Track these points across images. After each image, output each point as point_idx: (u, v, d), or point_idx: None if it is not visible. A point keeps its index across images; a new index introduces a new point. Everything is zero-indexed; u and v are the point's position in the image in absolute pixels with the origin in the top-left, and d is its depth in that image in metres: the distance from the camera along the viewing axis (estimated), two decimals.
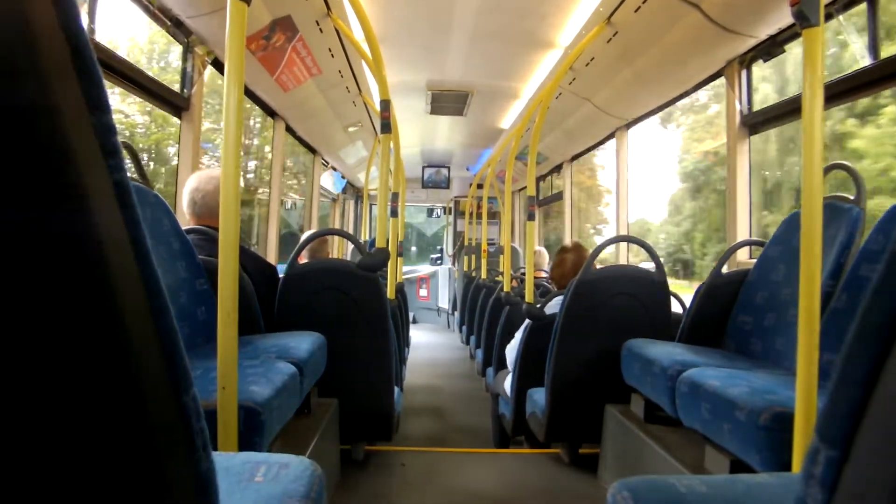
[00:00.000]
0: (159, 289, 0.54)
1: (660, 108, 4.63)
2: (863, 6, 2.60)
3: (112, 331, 0.46)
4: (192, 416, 0.58)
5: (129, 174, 1.82)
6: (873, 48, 2.56)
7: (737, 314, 2.65)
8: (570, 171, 6.99)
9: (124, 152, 2.15)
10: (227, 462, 1.06)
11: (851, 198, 2.18)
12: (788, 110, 3.12)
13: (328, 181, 7.75)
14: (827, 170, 2.13)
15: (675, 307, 3.39)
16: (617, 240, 4.44)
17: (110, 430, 0.47)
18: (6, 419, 0.43)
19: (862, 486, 0.51)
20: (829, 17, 2.68)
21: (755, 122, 3.39)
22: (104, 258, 0.45)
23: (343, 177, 8.32)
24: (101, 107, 0.48)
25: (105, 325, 0.45)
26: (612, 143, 5.41)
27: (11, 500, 0.44)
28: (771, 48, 3.15)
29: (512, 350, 3.66)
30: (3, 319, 0.42)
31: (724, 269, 2.87)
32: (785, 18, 2.87)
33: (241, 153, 1.65)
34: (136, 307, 0.51)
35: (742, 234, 3.47)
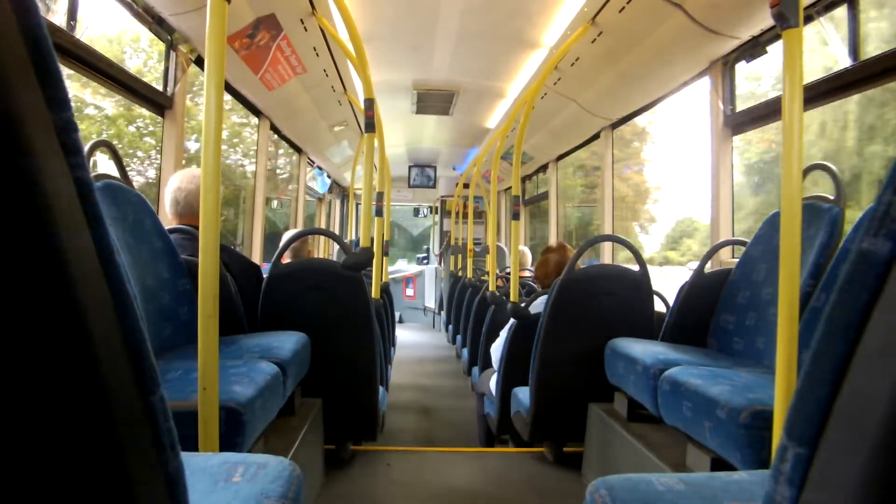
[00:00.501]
0: (124, 289, 0.54)
1: (644, 109, 4.65)
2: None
3: (73, 331, 0.45)
4: (159, 416, 0.58)
5: (110, 174, 1.81)
6: (853, 49, 2.58)
7: (719, 313, 2.66)
8: (556, 171, 7.01)
9: (106, 151, 2.14)
10: (206, 462, 1.06)
11: (832, 198, 2.20)
12: (771, 111, 3.14)
13: (313, 181, 7.73)
14: (807, 170, 2.14)
15: (659, 306, 3.41)
16: (601, 239, 4.47)
17: (73, 430, 0.46)
18: None
19: (828, 483, 0.51)
20: (809, 18, 2.70)
21: (738, 123, 3.42)
22: (65, 258, 0.44)
23: (329, 176, 8.30)
24: (61, 104, 0.48)
25: (66, 325, 0.45)
26: (658, 133, 5.38)
27: None
28: (753, 49, 3.17)
29: (497, 349, 3.67)
30: None
31: (707, 268, 2.89)
32: (767, 20, 2.89)
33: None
34: (99, 307, 0.50)
35: (725, 233, 3.50)
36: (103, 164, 2.38)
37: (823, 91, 2.71)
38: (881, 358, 0.47)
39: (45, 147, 0.44)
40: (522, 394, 3.22)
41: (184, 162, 3.48)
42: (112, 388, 0.49)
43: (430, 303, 12.03)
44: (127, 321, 0.54)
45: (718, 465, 1.90)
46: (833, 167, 2.20)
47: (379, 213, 4.36)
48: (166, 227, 2.45)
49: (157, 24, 3.14)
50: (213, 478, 0.99)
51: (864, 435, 0.46)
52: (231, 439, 1.57)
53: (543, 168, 7.29)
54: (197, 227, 2.65)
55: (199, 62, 3.53)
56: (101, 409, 0.47)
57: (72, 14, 2.64)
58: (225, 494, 0.93)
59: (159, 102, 3.33)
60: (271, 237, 6.45)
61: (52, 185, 0.44)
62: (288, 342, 2.35)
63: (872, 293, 0.49)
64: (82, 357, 0.46)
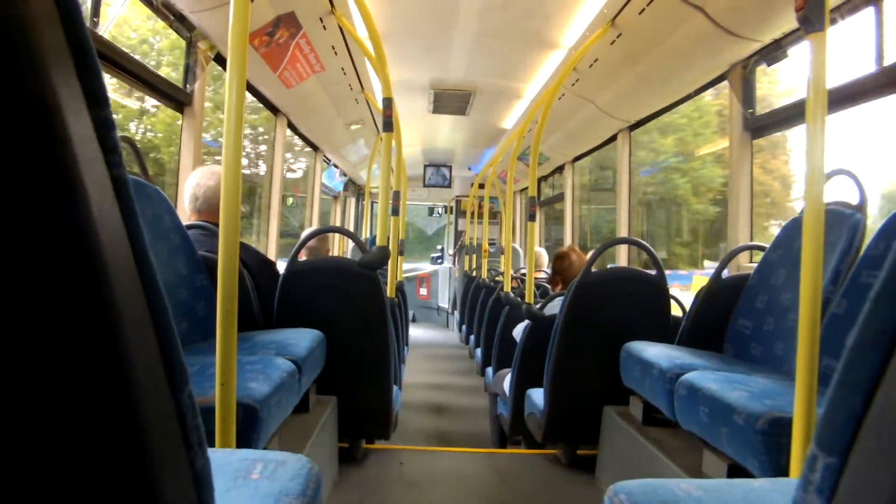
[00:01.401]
0: (156, 286, 0.54)
1: (663, 111, 4.62)
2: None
3: (108, 328, 0.45)
4: (187, 413, 0.58)
5: (129, 169, 1.82)
6: (878, 54, 2.55)
7: (736, 318, 2.64)
8: (572, 173, 6.99)
9: (126, 147, 2.15)
10: (225, 459, 1.06)
11: (854, 203, 2.18)
12: (792, 115, 3.11)
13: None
14: (829, 175, 2.12)
15: (675, 310, 3.39)
16: (617, 241, 4.44)
17: (104, 427, 0.47)
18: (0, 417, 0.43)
19: (859, 494, 0.51)
20: (833, 21, 2.67)
21: (758, 126, 3.39)
22: (102, 255, 0.44)
23: (344, 174, 8.32)
24: (100, 102, 0.48)
25: (102, 322, 0.45)
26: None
27: (3, 499, 0.44)
28: (775, 52, 3.15)
29: (518, 332, 3.68)
30: (2, 317, 0.42)
31: (725, 273, 2.87)
32: (789, 23, 2.87)
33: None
34: (134, 304, 0.50)
35: (743, 237, 3.47)
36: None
37: (846, 96, 2.68)
38: None
39: (83, 144, 0.44)
40: (536, 395, 3.22)
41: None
42: (145, 384, 0.49)
43: (444, 302, 12.03)
44: (159, 317, 0.54)
45: (735, 471, 1.89)
46: (856, 173, 2.18)
47: (395, 212, 4.37)
48: (184, 223, 2.47)
49: (177, 20, 3.16)
50: (231, 474, 0.99)
51: None
52: (247, 436, 1.58)
53: (560, 169, 7.27)
54: (215, 224, 2.68)
55: (218, 59, 3.54)
56: (134, 406, 0.47)
57: (95, 10, 2.67)
58: (244, 491, 0.93)
59: (179, 99, 3.34)
60: (285, 235, 6.47)
61: (91, 182, 0.44)
62: (304, 339, 2.35)
63: None
64: (117, 352, 0.46)
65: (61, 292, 0.43)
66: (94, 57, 0.48)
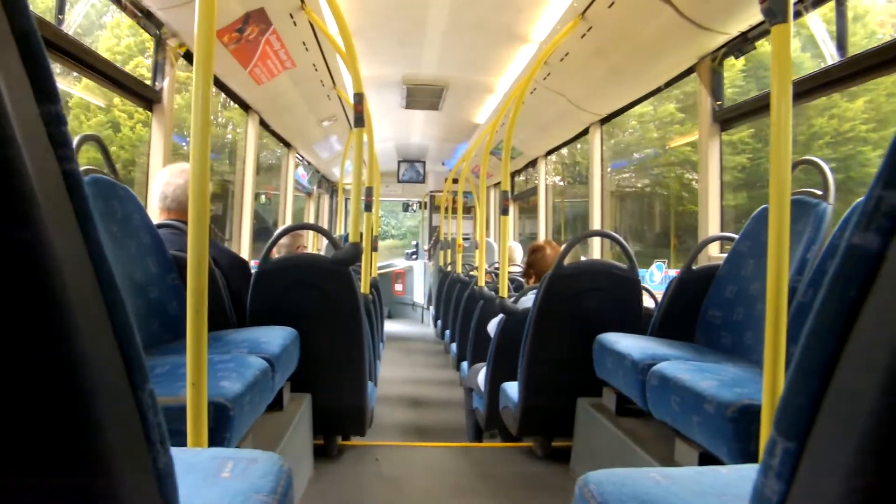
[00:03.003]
0: (113, 283, 0.53)
1: (633, 104, 4.65)
2: (831, 3, 2.63)
3: (63, 327, 0.45)
4: (148, 411, 0.57)
5: (98, 168, 1.80)
6: (841, 45, 2.59)
7: (707, 308, 2.67)
8: (545, 167, 7.01)
9: (93, 146, 2.13)
10: (195, 458, 1.05)
11: (820, 193, 2.21)
12: (759, 106, 3.15)
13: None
14: (795, 165, 2.15)
15: (648, 302, 3.42)
16: (591, 234, 4.47)
17: (61, 427, 0.46)
18: None
19: (817, 478, 0.52)
20: (797, 14, 2.71)
21: (727, 118, 3.43)
22: (54, 252, 0.44)
23: (318, 171, 8.28)
24: (49, 97, 0.47)
25: (56, 320, 0.44)
26: None
27: None
28: (742, 45, 3.18)
29: (492, 327, 3.68)
30: None
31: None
32: (756, 15, 2.90)
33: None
34: (89, 302, 0.50)
35: (713, 228, 3.51)
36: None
37: (812, 87, 2.72)
38: (869, 352, 0.47)
39: (31, 139, 0.44)
40: (511, 389, 3.23)
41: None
42: (101, 383, 0.48)
43: (419, 298, 12.03)
44: (116, 315, 0.54)
45: (706, 459, 1.91)
46: (822, 163, 2.21)
47: (368, 208, 4.35)
48: (155, 223, 2.44)
49: (145, 17, 3.12)
50: (202, 473, 0.99)
51: (852, 429, 0.46)
52: (219, 434, 1.57)
53: (532, 163, 7.29)
54: (185, 222, 2.65)
55: (188, 56, 3.51)
56: (90, 405, 0.47)
57: (60, 8, 2.63)
58: (215, 490, 0.93)
59: (147, 97, 3.30)
60: (259, 232, 6.43)
61: (39, 177, 0.43)
62: (276, 337, 2.34)
63: (861, 288, 0.49)
64: (70, 352, 0.45)
65: (12, 293, 0.43)
66: (41, 49, 0.47)
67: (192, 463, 1.03)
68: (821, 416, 0.52)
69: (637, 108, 4.93)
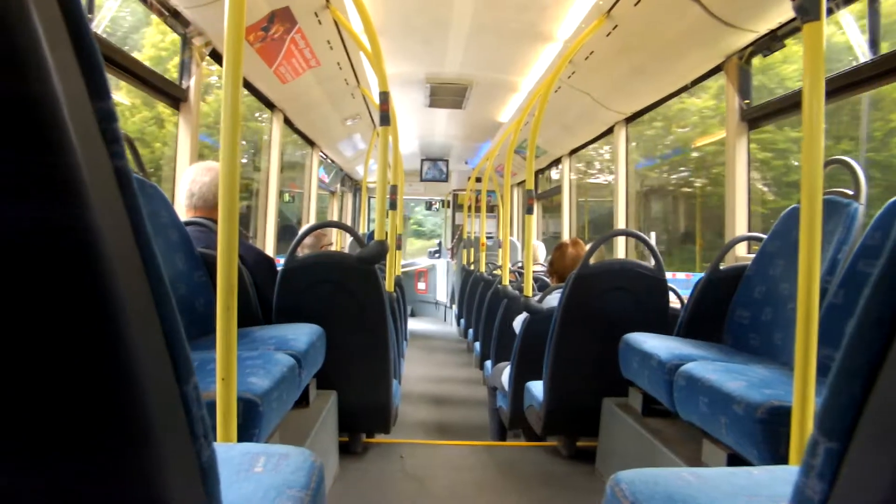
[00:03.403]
0: (161, 278, 0.54)
1: (659, 103, 4.62)
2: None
3: (113, 320, 0.46)
4: (192, 405, 0.58)
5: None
6: (874, 43, 2.55)
7: (735, 309, 2.65)
8: (569, 165, 6.99)
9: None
10: (227, 453, 1.06)
11: (851, 193, 2.18)
12: (789, 105, 3.12)
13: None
14: (826, 164, 2.12)
15: (674, 301, 3.40)
16: (616, 234, 4.44)
17: (111, 419, 0.47)
18: (9, 410, 0.43)
19: (861, 477, 0.51)
20: (829, 11, 2.67)
21: (755, 117, 3.39)
22: (106, 246, 0.45)
23: (341, 170, 8.31)
24: (102, 94, 0.48)
25: (106, 314, 0.45)
26: None
27: (15, 492, 0.44)
28: (771, 43, 3.15)
29: (517, 324, 3.68)
30: (8, 309, 0.42)
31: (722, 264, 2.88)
32: (785, 13, 2.87)
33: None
34: (139, 295, 0.51)
35: (741, 228, 3.48)
36: None
37: (843, 85, 2.69)
38: None
39: (85, 135, 0.45)
40: (535, 388, 3.22)
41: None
42: (151, 375, 0.49)
43: (442, 296, 12.04)
44: (163, 309, 0.54)
45: (734, 460, 1.90)
46: (853, 162, 2.18)
47: (392, 206, 4.37)
48: (182, 220, 2.47)
49: (172, 16, 3.15)
50: (234, 468, 1.00)
51: None
52: (248, 430, 1.58)
53: (556, 162, 7.27)
54: (211, 220, 2.68)
55: (214, 55, 3.54)
56: (141, 397, 0.48)
57: (89, 7, 2.66)
58: (248, 485, 0.93)
59: (174, 95, 3.34)
60: (284, 230, 6.46)
61: (92, 173, 0.44)
62: (303, 334, 2.36)
63: None
64: (122, 344, 0.46)
65: (65, 286, 0.43)
66: (96, 50, 0.48)
67: (224, 458, 1.04)
68: (865, 416, 0.51)
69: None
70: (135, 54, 3.21)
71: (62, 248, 0.43)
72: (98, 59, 0.48)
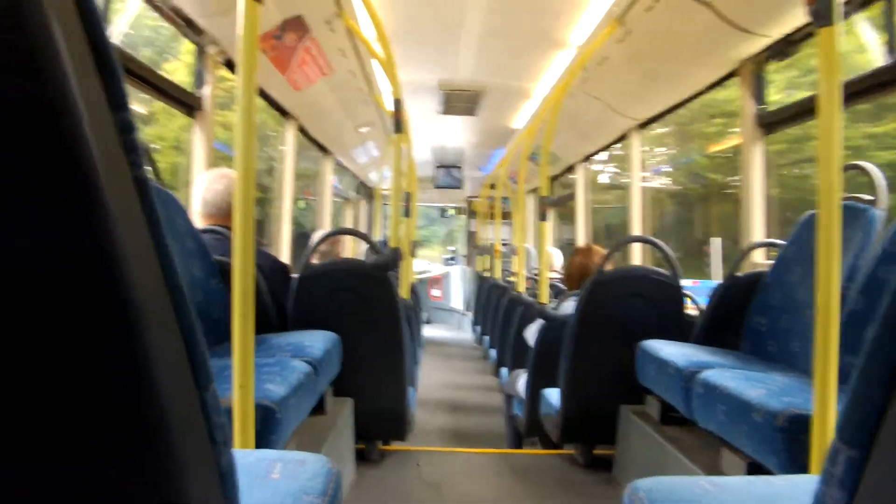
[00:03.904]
0: (179, 286, 0.55)
1: (673, 109, 4.59)
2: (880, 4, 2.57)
3: (134, 326, 0.46)
4: (212, 411, 0.59)
5: None
6: (892, 46, 2.53)
7: (752, 316, 2.63)
8: (583, 172, 6.97)
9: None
10: (244, 459, 1.07)
11: (870, 199, 2.16)
12: (805, 110, 3.09)
13: None
14: (845, 169, 2.11)
15: (690, 308, 3.38)
16: (631, 240, 4.42)
17: (132, 425, 0.47)
18: (31, 417, 0.44)
19: (882, 487, 0.51)
20: (846, 15, 2.65)
21: (770, 122, 3.37)
22: (125, 254, 0.45)
23: (356, 177, 8.33)
24: (121, 104, 0.49)
25: (127, 320, 0.46)
26: None
27: (37, 497, 0.44)
28: (785, 48, 3.13)
29: (529, 333, 3.67)
30: (28, 317, 0.43)
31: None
32: (800, 17, 2.85)
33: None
34: (158, 302, 0.51)
35: (757, 234, 3.45)
36: None
37: (860, 90, 2.66)
38: None
39: (105, 146, 0.45)
40: (552, 395, 3.21)
41: None
42: (170, 382, 0.50)
43: (457, 303, 12.03)
44: (182, 316, 0.55)
45: (754, 469, 1.88)
46: (872, 168, 2.16)
47: (407, 213, 4.37)
48: (198, 228, 2.48)
49: (186, 25, 3.17)
50: (252, 474, 1.00)
51: None
52: (265, 437, 1.59)
53: (570, 169, 7.25)
54: (226, 227, 2.69)
55: (228, 64, 3.56)
56: (159, 403, 0.48)
57: (103, 17, 2.69)
58: (265, 491, 0.94)
59: (189, 103, 3.36)
60: (298, 238, 6.48)
61: (111, 182, 0.45)
62: (319, 341, 2.36)
63: None
64: (142, 352, 0.47)
65: (86, 294, 0.44)
66: (115, 61, 0.48)
67: (242, 464, 1.04)
68: (886, 424, 0.51)
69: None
70: (172, 62, 3.22)
71: (82, 257, 0.43)
72: (117, 69, 0.49)
